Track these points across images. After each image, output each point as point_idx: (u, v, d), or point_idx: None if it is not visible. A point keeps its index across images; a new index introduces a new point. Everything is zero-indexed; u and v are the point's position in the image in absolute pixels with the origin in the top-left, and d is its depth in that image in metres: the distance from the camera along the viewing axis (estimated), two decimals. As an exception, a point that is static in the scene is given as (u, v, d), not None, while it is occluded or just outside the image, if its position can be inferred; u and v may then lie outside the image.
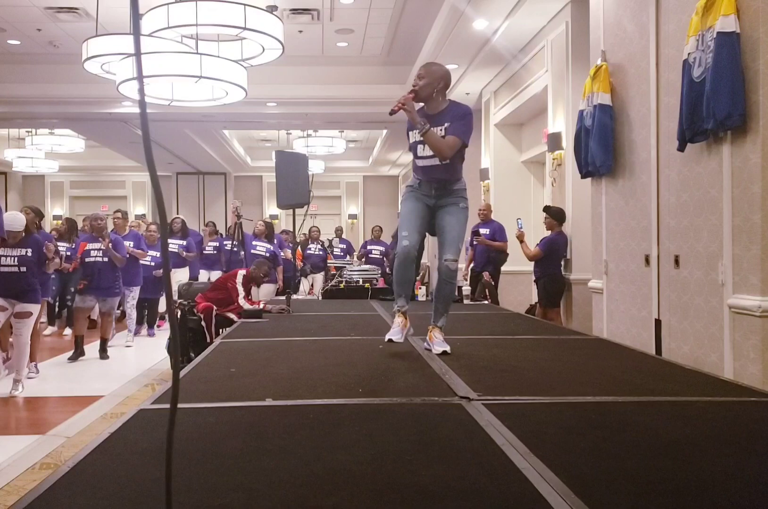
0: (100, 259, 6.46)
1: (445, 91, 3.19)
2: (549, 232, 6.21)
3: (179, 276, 8.23)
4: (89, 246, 6.54)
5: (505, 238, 7.16)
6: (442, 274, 3.21)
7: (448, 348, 3.15)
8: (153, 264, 7.82)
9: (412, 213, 3.25)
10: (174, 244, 8.38)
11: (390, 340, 3.15)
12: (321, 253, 10.20)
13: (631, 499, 1.41)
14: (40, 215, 6.42)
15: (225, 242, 8.53)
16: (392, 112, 3.09)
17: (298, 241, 9.77)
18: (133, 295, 7.54)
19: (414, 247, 3.18)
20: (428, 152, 3.16)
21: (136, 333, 7.86)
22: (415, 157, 3.24)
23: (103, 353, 6.56)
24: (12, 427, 4.32)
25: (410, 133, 3.25)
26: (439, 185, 3.22)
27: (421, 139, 3.13)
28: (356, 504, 1.39)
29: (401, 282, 3.26)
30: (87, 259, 6.49)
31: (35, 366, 5.67)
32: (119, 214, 7.63)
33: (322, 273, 10.05)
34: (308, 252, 10.05)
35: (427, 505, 1.39)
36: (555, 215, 6.14)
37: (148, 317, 8.31)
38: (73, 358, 6.34)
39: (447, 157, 3.10)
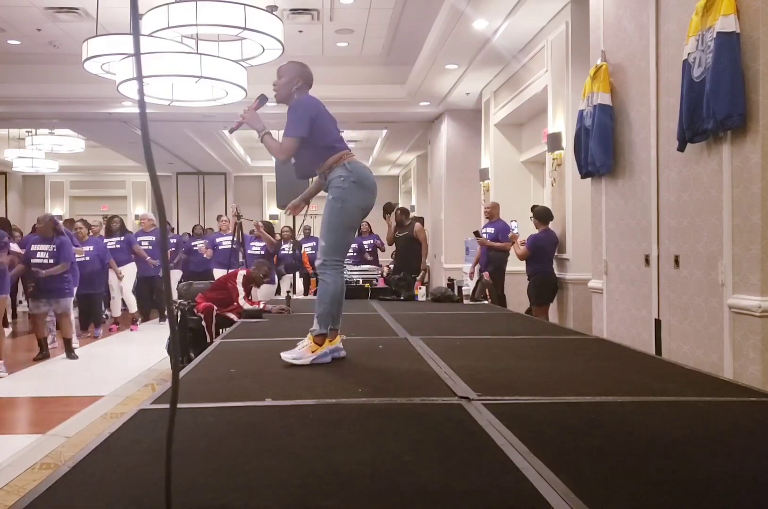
0: (45, 261, 6.40)
1: (306, 89, 3.08)
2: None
3: (125, 272, 8.52)
4: (35, 247, 6.51)
5: (509, 239, 7.17)
6: None
7: (291, 359, 2.87)
8: (88, 258, 7.80)
9: None
10: (112, 241, 8.60)
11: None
12: (296, 252, 10.15)
13: (631, 499, 1.41)
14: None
15: (197, 242, 9.07)
16: (231, 130, 3.14)
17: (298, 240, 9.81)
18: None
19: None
20: None
21: (78, 335, 7.62)
22: None
23: (70, 353, 6.51)
24: (12, 427, 4.32)
25: None
26: (321, 179, 3.13)
27: None
28: (356, 504, 1.39)
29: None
30: (33, 260, 6.42)
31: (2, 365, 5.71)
32: (80, 224, 8.07)
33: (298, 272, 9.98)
34: (282, 252, 9.39)
35: (427, 505, 1.39)
36: (538, 214, 6.29)
37: (92, 316, 8.14)
38: (39, 359, 6.37)
39: (282, 159, 3.03)
